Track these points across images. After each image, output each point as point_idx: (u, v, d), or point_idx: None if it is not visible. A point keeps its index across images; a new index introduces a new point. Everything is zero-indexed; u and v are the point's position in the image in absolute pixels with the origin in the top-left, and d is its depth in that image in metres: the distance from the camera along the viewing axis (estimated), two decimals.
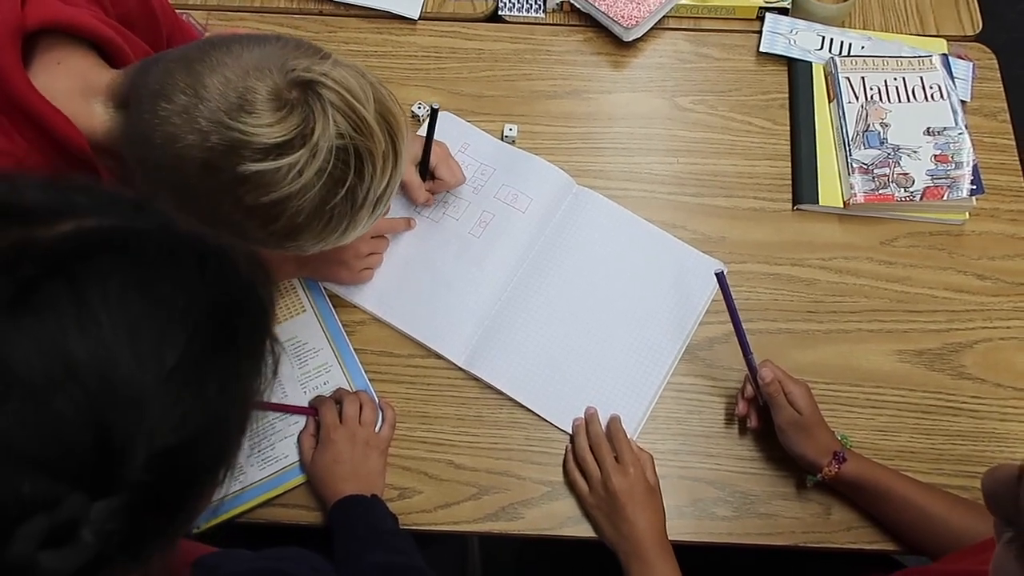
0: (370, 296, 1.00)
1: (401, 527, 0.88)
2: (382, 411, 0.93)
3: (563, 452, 0.94)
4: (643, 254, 1.03)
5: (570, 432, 0.94)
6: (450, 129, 1.08)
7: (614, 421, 0.93)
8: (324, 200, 0.66)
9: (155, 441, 0.38)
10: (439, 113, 1.10)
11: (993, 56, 1.17)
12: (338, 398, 0.92)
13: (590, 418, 0.93)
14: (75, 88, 0.69)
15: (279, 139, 0.62)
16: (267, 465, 0.91)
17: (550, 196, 1.05)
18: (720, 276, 0.87)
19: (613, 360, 0.97)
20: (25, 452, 0.35)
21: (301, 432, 0.92)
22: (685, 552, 0.86)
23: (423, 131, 1.00)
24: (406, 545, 0.84)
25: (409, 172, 1.00)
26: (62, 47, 0.70)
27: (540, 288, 1.00)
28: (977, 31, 1.19)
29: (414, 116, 1.10)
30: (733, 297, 0.88)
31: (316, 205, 0.66)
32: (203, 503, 0.45)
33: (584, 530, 0.90)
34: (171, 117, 0.63)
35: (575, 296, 1.00)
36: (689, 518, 0.91)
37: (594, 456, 0.90)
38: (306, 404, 0.94)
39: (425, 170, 1.00)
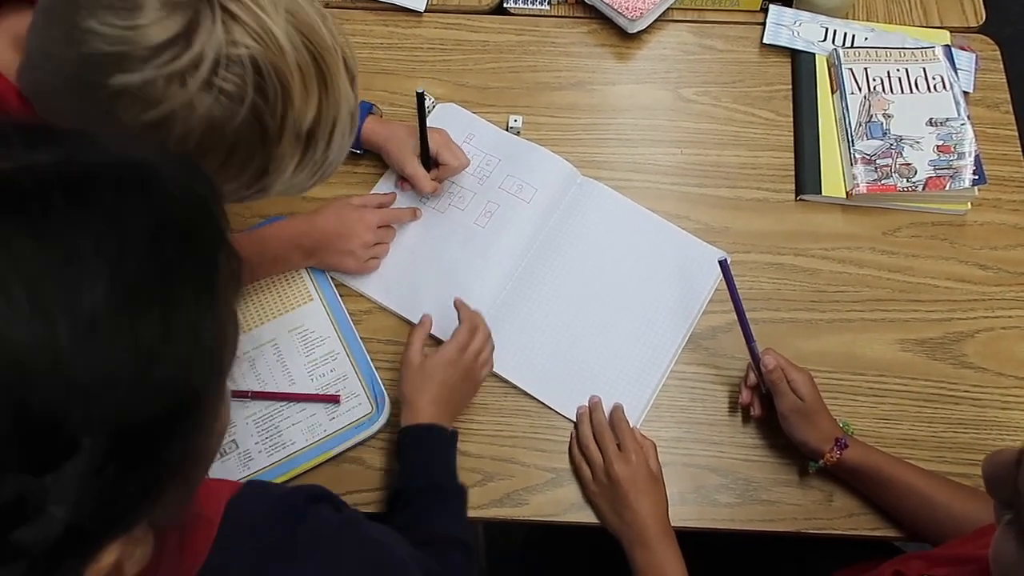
0: (376, 285, 1.01)
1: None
2: None
3: (567, 440, 0.95)
4: (647, 244, 1.04)
5: (574, 420, 0.95)
6: (455, 120, 1.09)
7: (617, 410, 0.94)
8: (220, 123, 0.58)
9: (92, 401, 0.35)
10: (446, 105, 1.11)
11: (996, 48, 1.17)
12: (476, 324, 0.92)
13: (593, 406, 0.94)
14: (5, 42, 0.64)
15: (154, 42, 0.54)
16: (275, 452, 0.92)
17: (555, 187, 1.06)
18: (723, 264, 0.87)
19: (617, 349, 0.98)
20: None
21: (413, 332, 0.92)
22: (688, 538, 0.87)
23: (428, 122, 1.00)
24: (464, 511, 0.85)
25: (413, 164, 1.01)
26: (12, 10, 0.65)
27: (545, 278, 1.01)
28: (980, 23, 1.20)
29: None
30: (736, 285, 0.89)
31: (211, 128, 0.58)
32: (196, 443, 0.42)
33: (588, 516, 0.91)
34: (49, 31, 0.57)
35: (579, 285, 1.01)
36: (692, 505, 0.92)
37: (597, 444, 0.91)
38: (313, 391, 0.95)
39: (427, 158, 1.01)
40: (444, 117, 1.10)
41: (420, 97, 0.96)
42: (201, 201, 0.43)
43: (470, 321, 0.92)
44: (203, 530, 0.56)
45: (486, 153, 1.08)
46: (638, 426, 0.94)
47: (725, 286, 0.90)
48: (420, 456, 0.85)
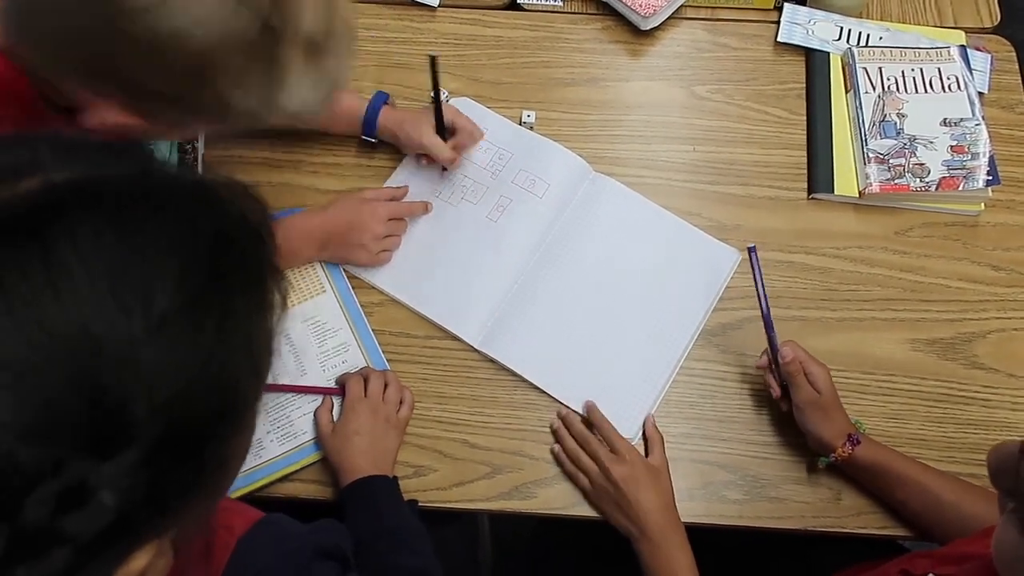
0: (388, 278, 1.01)
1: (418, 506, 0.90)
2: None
3: None
4: (658, 240, 1.04)
5: (582, 412, 0.95)
6: (468, 114, 1.09)
7: (593, 411, 0.93)
8: (233, 30, 0.57)
9: (155, 392, 0.37)
10: (460, 99, 1.12)
11: (1012, 48, 1.17)
12: (365, 375, 0.94)
13: (567, 419, 0.94)
14: None
15: None
16: (286, 441, 0.93)
17: (567, 182, 1.06)
18: (752, 251, 0.87)
19: (627, 344, 0.98)
20: (17, 423, 0.34)
21: (318, 407, 0.94)
22: (695, 534, 0.87)
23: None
24: (426, 545, 0.84)
25: (429, 135, 1.01)
26: None
27: (556, 272, 1.02)
28: (995, 23, 1.19)
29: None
30: (762, 273, 0.88)
31: (225, 35, 0.57)
32: (231, 449, 0.43)
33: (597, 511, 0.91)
34: None
35: (590, 280, 1.01)
36: (700, 501, 0.92)
37: (586, 452, 0.91)
38: (325, 383, 0.95)
39: (441, 127, 1.01)
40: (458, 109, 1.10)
41: (432, 61, 0.95)
42: (254, 225, 0.46)
43: (357, 374, 0.94)
44: (226, 543, 0.57)
45: (499, 147, 1.08)
46: (649, 419, 0.94)
47: (733, 283, 0.90)
48: (365, 508, 0.85)
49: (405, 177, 1.07)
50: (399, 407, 0.93)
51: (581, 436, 0.92)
